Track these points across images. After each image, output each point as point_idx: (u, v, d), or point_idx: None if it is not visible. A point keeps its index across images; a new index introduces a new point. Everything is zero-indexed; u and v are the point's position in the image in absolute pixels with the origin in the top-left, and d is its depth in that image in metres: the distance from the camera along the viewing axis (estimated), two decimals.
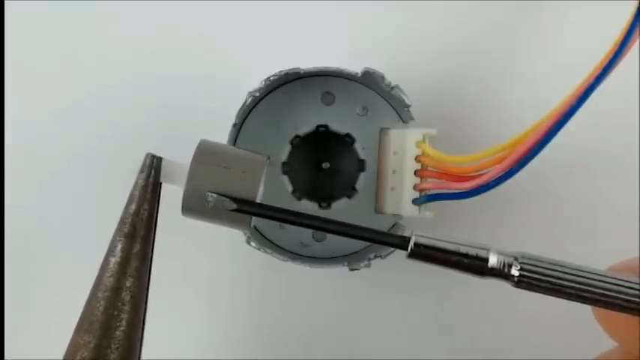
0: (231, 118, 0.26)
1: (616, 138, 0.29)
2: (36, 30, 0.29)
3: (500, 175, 0.22)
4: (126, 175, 0.29)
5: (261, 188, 0.20)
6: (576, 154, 0.29)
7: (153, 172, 0.20)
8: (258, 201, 0.20)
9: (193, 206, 0.20)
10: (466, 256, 0.18)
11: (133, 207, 0.20)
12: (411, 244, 0.19)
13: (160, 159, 0.20)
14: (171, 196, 0.21)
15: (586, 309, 0.20)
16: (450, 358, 0.30)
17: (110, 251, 0.20)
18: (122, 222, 0.20)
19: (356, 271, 0.26)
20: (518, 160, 0.22)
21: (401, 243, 0.19)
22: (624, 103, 0.29)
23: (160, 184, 0.20)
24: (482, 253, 0.18)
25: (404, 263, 0.29)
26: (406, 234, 0.26)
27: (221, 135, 0.26)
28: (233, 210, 0.19)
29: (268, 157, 0.21)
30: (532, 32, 0.30)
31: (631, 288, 0.18)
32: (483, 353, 0.29)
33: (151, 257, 0.20)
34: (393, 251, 0.25)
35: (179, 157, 0.29)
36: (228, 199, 0.19)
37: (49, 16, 0.29)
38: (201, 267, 0.30)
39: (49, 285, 0.29)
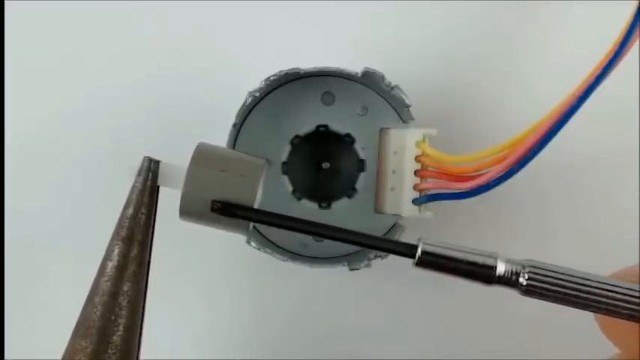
0: (231, 118, 0.26)
1: (616, 138, 0.29)
2: (36, 30, 0.29)
3: (500, 175, 0.22)
4: (125, 176, 0.29)
5: (259, 192, 0.20)
6: (576, 155, 0.29)
7: (150, 175, 0.20)
8: (257, 204, 0.20)
9: (191, 210, 0.19)
10: (474, 264, 0.18)
11: (131, 211, 0.20)
12: (419, 252, 0.18)
13: (157, 162, 0.20)
14: (170, 198, 0.20)
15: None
16: (451, 358, 0.30)
17: (107, 255, 0.20)
18: (119, 226, 0.20)
19: (356, 271, 0.26)
20: (518, 160, 0.22)
21: (408, 251, 0.19)
22: (624, 103, 0.29)
23: (158, 187, 0.20)
24: (489, 261, 0.18)
25: (404, 263, 0.29)
26: (404, 237, 0.26)
27: (221, 135, 0.26)
28: (231, 216, 0.19)
29: (267, 160, 0.20)
30: (532, 32, 0.30)
31: (636, 297, 0.18)
32: (484, 354, 0.29)
33: (149, 261, 0.20)
34: None
35: (179, 157, 0.29)
36: (232, 207, 0.19)
37: (49, 16, 0.29)
38: (201, 267, 0.30)
39: (49, 285, 0.29)
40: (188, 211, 0.19)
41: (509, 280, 0.18)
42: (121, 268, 0.19)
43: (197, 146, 0.20)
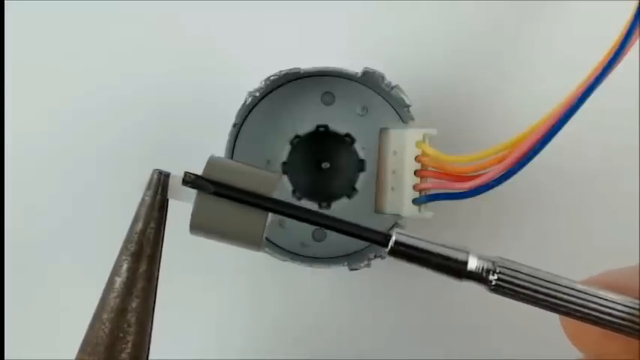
0: (231, 118, 0.26)
1: (616, 138, 0.29)
2: (36, 30, 0.29)
3: (500, 175, 0.22)
4: (125, 176, 0.29)
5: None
6: (576, 155, 0.29)
7: (160, 189, 0.19)
8: (269, 219, 0.19)
9: (202, 225, 0.19)
10: (445, 258, 0.18)
11: (140, 225, 0.19)
12: (392, 242, 0.19)
13: (167, 175, 0.20)
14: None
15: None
16: (451, 358, 0.30)
17: (115, 271, 0.19)
18: (128, 240, 0.19)
19: (356, 271, 0.26)
20: (518, 160, 0.22)
21: (381, 240, 0.19)
22: (624, 103, 0.29)
23: (167, 200, 0.20)
24: (461, 256, 0.18)
25: (404, 263, 0.29)
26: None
27: (221, 134, 0.26)
28: (212, 193, 0.19)
29: (281, 174, 0.20)
30: (532, 32, 0.30)
31: (604, 305, 0.18)
32: (484, 353, 0.29)
33: (157, 276, 0.20)
34: None
35: (179, 158, 0.29)
36: (206, 182, 0.19)
37: (49, 16, 0.29)
38: (200, 268, 0.30)
39: (49, 285, 0.29)
40: (199, 226, 0.19)
41: (479, 276, 0.18)
42: (129, 284, 0.19)
43: (208, 160, 0.19)
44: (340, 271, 0.26)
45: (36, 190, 0.30)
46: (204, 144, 0.28)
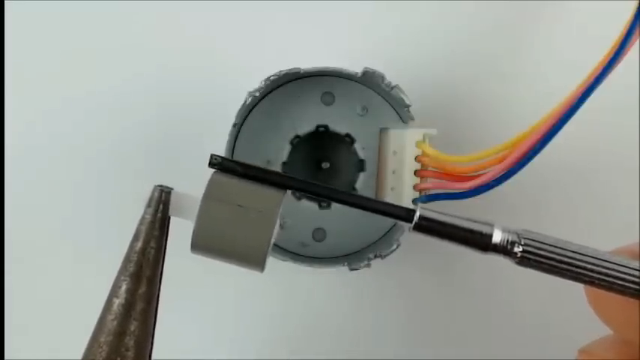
0: (231, 118, 0.26)
1: (616, 138, 0.29)
2: (36, 30, 0.29)
3: (500, 174, 0.22)
4: (125, 176, 0.29)
5: (277, 226, 0.19)
6: (576, 155, 0.29)
7: (161, 206, 0.19)
8: (274, 238, 0.19)
9: (204, 244, 0.19)
10: (470, 231, 0.18)
11: (140, 244, 0.19)
12: (416, 217, 0.19)
13: (168, 192, 0.19)
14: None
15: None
16: (450, 358, 0.30)
17: (113, 292, 0.18)
18: (127, 260, 0.19)
19: (356, 271, 0.26)
20: (518, 160, 0.22)
21: (406, 215, 0.19)
22: (624, 103, 0.29)
23: (169, 218, 0.19)
24: (486, 229, 0.18)
25: (404, 263, 0.29)
26: (404, 238, 0.26)
27: (221, 135, 0.26)
28: (239, 175, 0.19)
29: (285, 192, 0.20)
30: (532, 32, 0.30)
31: (630, 274, 0.18)
32: (484, 353, 0.29)
33: (158, 296, 0.19)
34: (394, 251, 0.25)
35: (178, 158, 0.29)
36: (234, 163, 0.19)
37: (49, 16, 0.29)
38: (200, 268, 0.30)
39: (49, 285, 0.29)
40: (201, 246, 0.19)
41: (504, 249, 0.18)
42: (128, 306, 0.18)
43: (211, 177, 0.19)
44: (340, 271, 0.26)
45: (36, 190, 0.29)
46: (204, 144, 0.28)
